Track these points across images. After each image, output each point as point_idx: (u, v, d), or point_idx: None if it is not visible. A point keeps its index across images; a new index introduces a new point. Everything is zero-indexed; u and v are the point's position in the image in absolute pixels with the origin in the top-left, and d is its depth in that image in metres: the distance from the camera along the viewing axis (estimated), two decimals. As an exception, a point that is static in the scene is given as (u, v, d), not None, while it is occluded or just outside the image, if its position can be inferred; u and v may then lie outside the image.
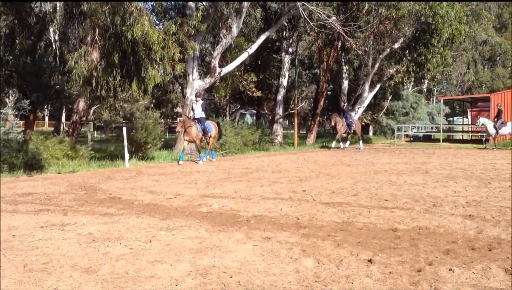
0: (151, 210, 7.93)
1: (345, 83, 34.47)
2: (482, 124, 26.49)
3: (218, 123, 19.30)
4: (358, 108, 33.16)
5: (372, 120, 42.59)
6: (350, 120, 26.19)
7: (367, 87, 32.48)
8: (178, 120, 17.55)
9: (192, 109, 18.32)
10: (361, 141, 26.67)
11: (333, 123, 26.16)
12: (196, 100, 18.07)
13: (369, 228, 6.58)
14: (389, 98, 41.28)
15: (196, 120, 17.59)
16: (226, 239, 5.98)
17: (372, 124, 43.11)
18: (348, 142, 27.45)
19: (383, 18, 26.08)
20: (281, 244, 5.68)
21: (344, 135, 26.35)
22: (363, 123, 40.68)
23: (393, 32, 28.21)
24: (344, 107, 27.47)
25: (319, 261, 5.00)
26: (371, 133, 42.14)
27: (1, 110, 14.75)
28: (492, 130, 26.21)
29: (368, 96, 32.85)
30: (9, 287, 4.32)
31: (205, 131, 17.77)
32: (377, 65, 31.41)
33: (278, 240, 5.90)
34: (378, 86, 33.69)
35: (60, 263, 5.00)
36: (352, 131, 26.32)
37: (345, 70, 33.56)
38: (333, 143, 26.68)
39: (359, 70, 33.88)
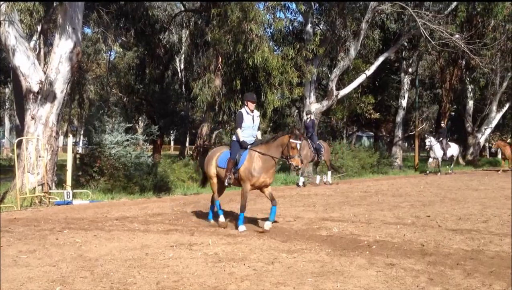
0: (271, 232, 8.08)
1: (470, 103, 32.77)
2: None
3: None
4: (485, 129, 31.33)
5: (501, 142, 39.80)
6: (318, 143, 17.58)
7: (494, 107, 30.65)
8: None
9: None
10: (329, 173, 18.41)
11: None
12: None
13: (502, 257, 6.17)
14: (520, 118, 38.41)
15: None
16: (348, 264, 5.92)
17: (501, 146, 40.26)
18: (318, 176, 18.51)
19: (511, 35, 24.53)
20: (406, 271, 5.52)
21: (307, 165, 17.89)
22: (490, 146, 38.04)
23: (523, 48, 26.37)
24: (308, 122, 18.08)
25: (448, 291, 4.78)
26: (499, 155, 39.38)
27: (133, 136, 15.90)
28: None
29: (495, 117, 30.98)
30: (144, 302, 4.63)
31: None
32: (505, 84, 29.62)
33: (403, 267, 5.73)
34: (507, 105, 31.61)
35: (189, 281, 5.26)
36: (321, 158, 17.62)
37: (470, 90, 31.92)
38: (301, 179, 17.45)
39: (485, 89, 32.01)
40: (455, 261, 5.99)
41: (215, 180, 9.23)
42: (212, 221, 9.17)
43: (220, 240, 7.44)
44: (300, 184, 17.33)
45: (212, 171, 9.20)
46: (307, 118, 18.40)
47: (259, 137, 9.09)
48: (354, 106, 28.76)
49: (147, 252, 6.66)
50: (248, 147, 8.64)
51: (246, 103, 8.91)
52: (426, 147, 23.66)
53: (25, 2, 13.85)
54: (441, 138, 23.04)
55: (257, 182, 8.53)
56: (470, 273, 5.42)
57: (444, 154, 22.88)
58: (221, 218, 9.01)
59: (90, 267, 5.87)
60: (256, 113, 9.03)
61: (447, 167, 23.77)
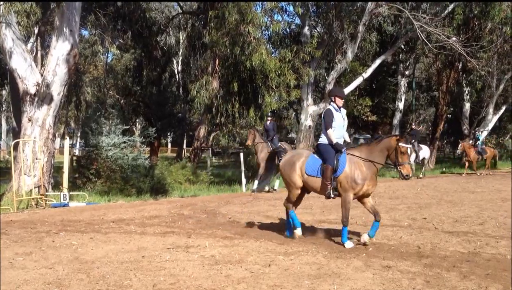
0: (269, 235, 8.07)
1: (467, 106, 32.85)
2: None
3: None
4: (482, 131, 31.38)
5: (497, 145, 39.94)
6: (279, 145, 15.80)
7: (491, 109, 30.74)
8: None
9: None
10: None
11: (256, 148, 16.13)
12: None
13: (498, 259, 6.18)
14: (517, 120, 38.54)
15: None
16: (345, 266, 5.92)
17: (498, 148, 40.44)
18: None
19: (507, 37, 24.60)
20: (402, 274, 5.52)
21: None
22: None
23: (519, 51, 26.44)
24: (268, 124, 16.46)
25: (445, 294, 4.78)
26: (496, 158, 39.53)
27: (130, 138, 15.89)
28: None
29: (492, 119, 31.08)
30: (141, 305, 4.62)
31: None
32: (501, 86, 29.71)
33: (399, 269, 5.74)
34: (504, 108, 31.71)
35: (186, 284, 5.26)
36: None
37: (466, 92, 32.02)
38: (255, 184, 15.37)
39: (482, 91, 32.11)
40: (451, 263, 5.99)
41: (297, 191, 7.95)
42: (297, 233, 7.88)
43: (217, 243, 7.42)
44: (255, 189, 14.95)
45: (297, 180, 7.80)
46: (267, 120, 16.79)
47: (347, 139, 7.85)
48: (351, 109, 28.83)
49: (143, 255, 6.64)
50: (344, 150, 7.40)
51: (333, 99, 7.59)
52: None
53: (22, 2, 13.83)
54: (412, 141, 22.60)
55: (360, 191, 7.31)
56: (466, 275, 5.43)
57: (417, 156, 22.48)
58: (299, 231, 7.89)
59: (87, 270, 5.85)
60: (344, 110, 7.75)
61: (445, 170, 23.72)
